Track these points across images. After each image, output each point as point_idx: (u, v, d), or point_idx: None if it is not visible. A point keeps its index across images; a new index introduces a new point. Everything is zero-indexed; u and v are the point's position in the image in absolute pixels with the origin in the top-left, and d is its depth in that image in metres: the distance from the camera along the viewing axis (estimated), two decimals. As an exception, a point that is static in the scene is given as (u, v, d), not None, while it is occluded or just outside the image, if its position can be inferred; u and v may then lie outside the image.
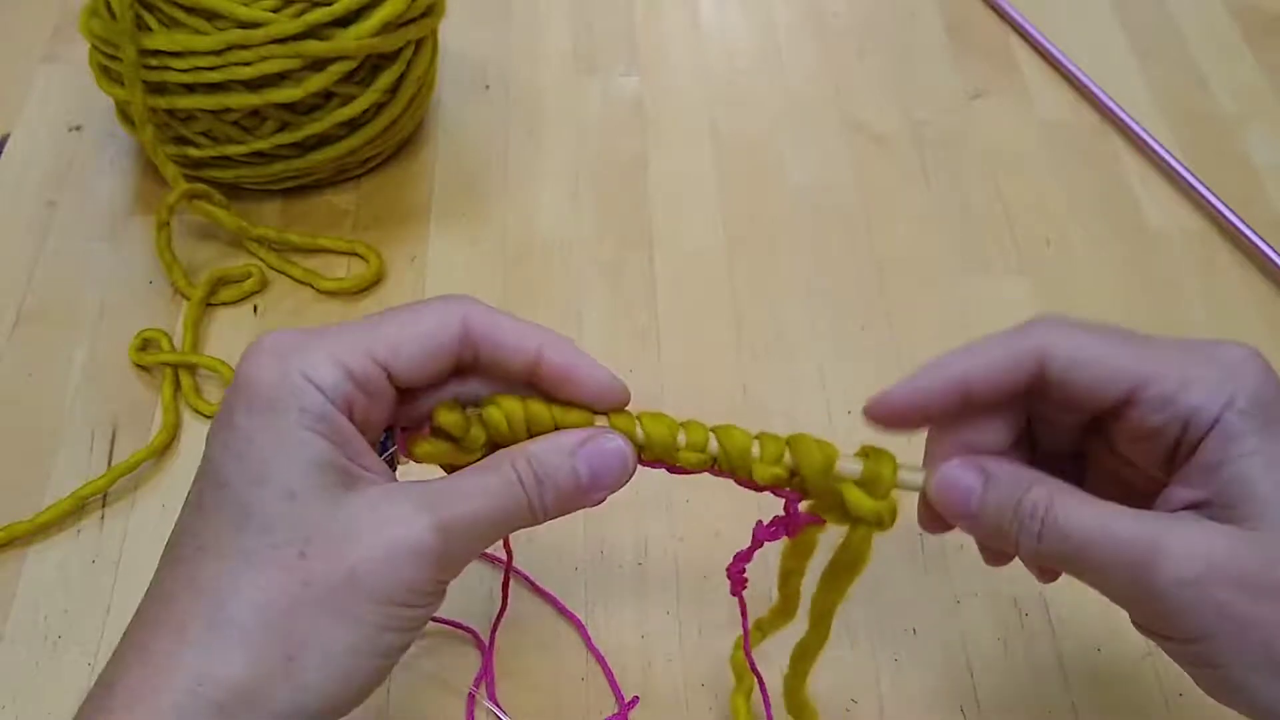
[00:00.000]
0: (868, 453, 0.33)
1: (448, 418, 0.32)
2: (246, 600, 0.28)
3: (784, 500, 0.33)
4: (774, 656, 0.39)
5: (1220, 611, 0.28)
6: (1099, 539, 0.30)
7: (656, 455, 0.33)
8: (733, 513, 0.48)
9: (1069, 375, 0.31)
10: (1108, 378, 0.31)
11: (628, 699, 0.43)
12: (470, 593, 0.45)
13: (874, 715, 0.43)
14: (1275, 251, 0.57)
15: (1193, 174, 0.61)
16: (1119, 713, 0.43)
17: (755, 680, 0.40)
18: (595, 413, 0.33)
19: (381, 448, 0.33)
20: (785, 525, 0.34)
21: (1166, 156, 0.62)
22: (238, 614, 0.28)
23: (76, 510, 0.47)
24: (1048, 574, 0.35)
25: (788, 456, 0.33)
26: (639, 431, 0.32)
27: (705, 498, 0.48)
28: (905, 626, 0.45)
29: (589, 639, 0.44)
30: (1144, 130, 0.63)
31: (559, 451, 0.31)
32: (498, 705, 0.42)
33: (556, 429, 0.32)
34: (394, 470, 0.33)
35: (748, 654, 0.39)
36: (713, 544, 0.47)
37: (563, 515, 0.32)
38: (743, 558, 0.35)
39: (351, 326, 0.31)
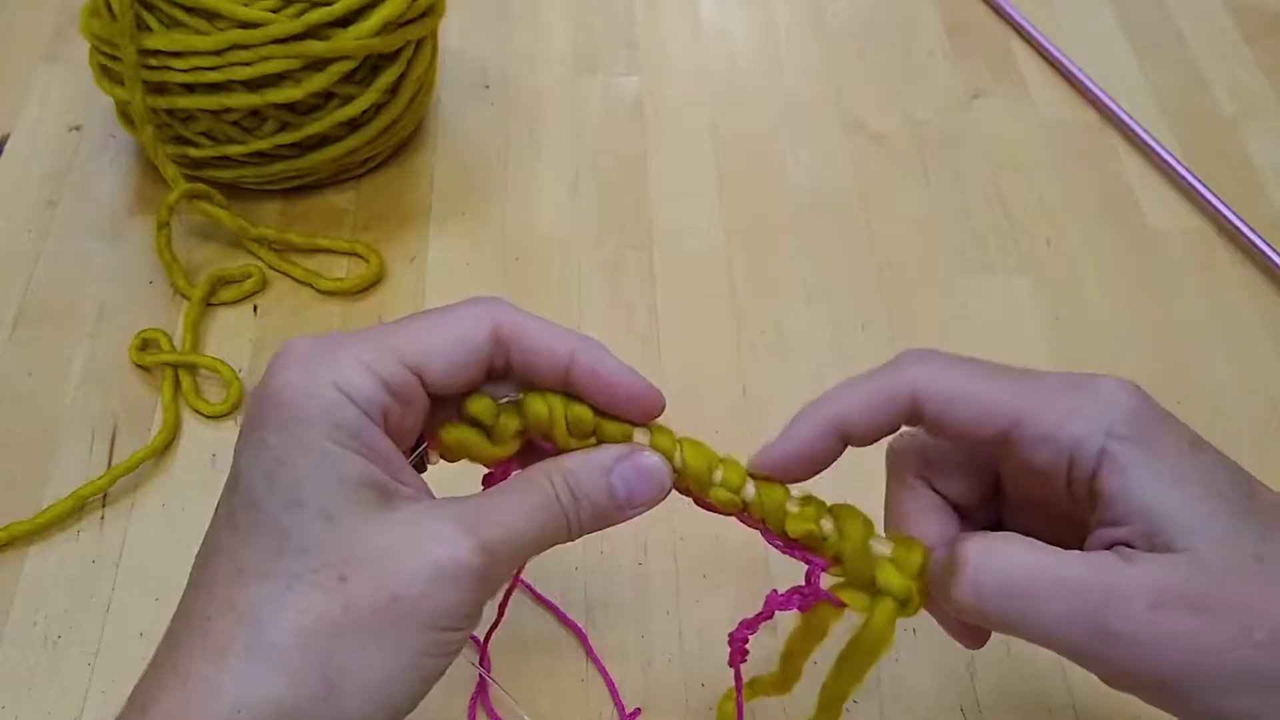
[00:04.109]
0: (898, 540, 0.32)
1: (478, 405, 0.32)
2: (287, 625, 0.27)
3: (806, 566, 0.32)
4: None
5: (1187, 643, 0.28)
6: (1045, 586, 0.29)
7: (688, 484, 0.32)
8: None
9: (944, 412, 0.31)
10: (983, 414, 0.31)
11: (628, 703, 0.43)
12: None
13: (874, 715, 0.43)
14: (1275, 251, 0.57)
15: (1193, 174, 0.61)
16: (1119, 713, 0.43)
17: None
18: (635, 425, 0.32)
19: (409, 449, 0.33)
20: (801, 596, 0.33)
21: (1166, 156, 0.62)
22: (278, 639, 0.27)
23: (76, 510, 0.47)
24: (977, 637, 0.34)
25: (825, 523, 0.32)
26: (677, 456, 0.32)
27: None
28: (905, 626, 0.45)
29: (590, 649, 0.44)
30: (1144, 130, 0.63)
31: (595, 469, 0.31)
32: (493, 713, 0.42)
33: (595, 433, 0.32)
34: (424, 470, 0.33)
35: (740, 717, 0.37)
36: (713, 545, 0.47)
37: (597, 531, 0.32)
38: (749, 625, 0.34)
39: (381, 332, 0.30)
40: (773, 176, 0.61)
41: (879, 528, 0.33)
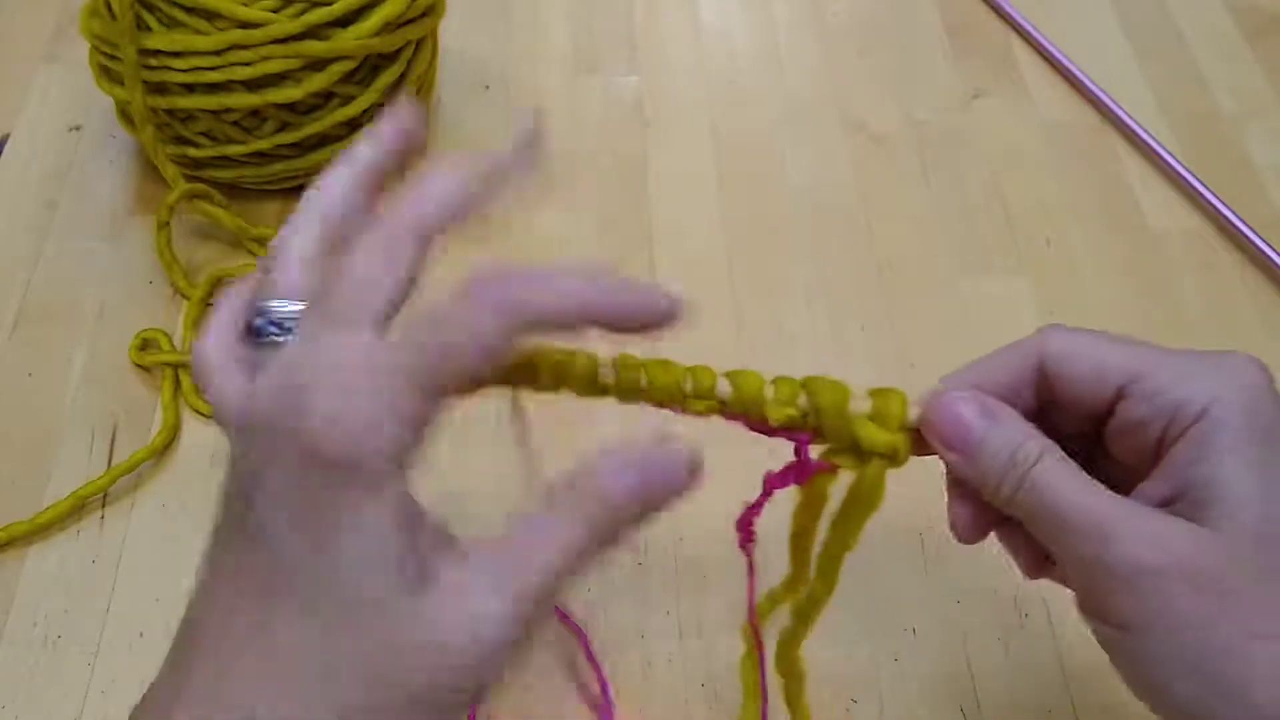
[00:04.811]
0: (876, 393, 0.32)
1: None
2: (312, 661, 0.26)
3: (795, 444, 0.33)
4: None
5: (1163, 604, 0.28)
6: (1071, 501, 0.30)
7: (662, 402, 0.32)
8: (733, 512, 0.48)
9: (1064, 368, 0.32)
10: (1102, 371, 0.32)
11: (628, 703, 0.43)
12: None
13: (874, 715, 0.43)
14: (1275, 251, 0.57)
15: (1193, 174, 0.61)
16: (1119, 713, 0.43)
17: (759, 678, 0.39)
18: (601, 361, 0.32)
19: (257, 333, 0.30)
20: (796, 471, 0.33)
21: (1166, 156, 0.62)
22: (299, 668, 0.26)
23: (76, 510, 0.47)
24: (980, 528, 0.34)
25: (802, 398, 0.32)
26: (643, 379, 0.32)
27: (706, 497, 0.48)
28: (905, 626, 0.45)
29: (590, 649, 0.44)
30: (1144, 130, 0.63)
31: (623, 488, 0.30)
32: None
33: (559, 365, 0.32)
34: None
35: (751, 618, 0.38)
36: (713, 545, 0.47)
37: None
38: (752, 509, 0.35)
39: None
40: (773, 176, 0.61)
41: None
